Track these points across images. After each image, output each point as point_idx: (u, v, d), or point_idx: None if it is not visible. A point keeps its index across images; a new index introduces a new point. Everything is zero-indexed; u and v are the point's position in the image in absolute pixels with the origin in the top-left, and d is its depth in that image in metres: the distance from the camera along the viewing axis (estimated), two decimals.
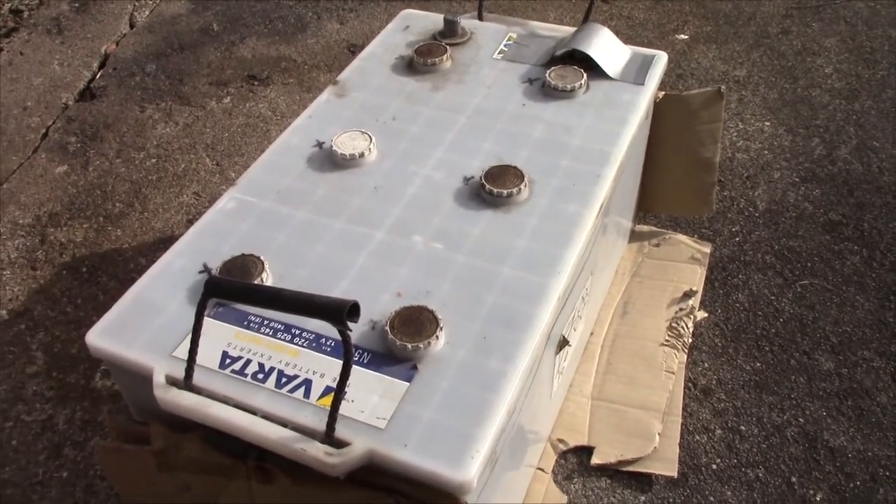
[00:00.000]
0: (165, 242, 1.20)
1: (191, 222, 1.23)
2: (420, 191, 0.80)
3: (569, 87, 0.91)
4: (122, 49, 1.62)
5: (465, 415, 0.60)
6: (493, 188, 0.77)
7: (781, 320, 1.04)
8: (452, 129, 0.87)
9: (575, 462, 0.90)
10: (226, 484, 0.65)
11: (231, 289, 0.59)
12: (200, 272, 0.72)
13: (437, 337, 0.64)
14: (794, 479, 0.88)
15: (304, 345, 0.65)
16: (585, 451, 0.90)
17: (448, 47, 0.99)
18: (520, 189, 0.77)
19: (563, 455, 0.90)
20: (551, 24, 1.06)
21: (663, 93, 1.01)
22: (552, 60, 0.96)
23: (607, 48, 0.95)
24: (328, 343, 0.66)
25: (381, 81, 0.95)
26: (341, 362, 0.55)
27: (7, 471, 0.92)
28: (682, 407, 0.93)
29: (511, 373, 0.63)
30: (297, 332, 0.67)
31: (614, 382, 0.96)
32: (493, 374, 0.63)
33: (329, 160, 0.84)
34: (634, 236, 1.16)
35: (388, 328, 0.64)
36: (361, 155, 0.83)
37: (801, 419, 0.93)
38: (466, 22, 1.05)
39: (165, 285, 0.71)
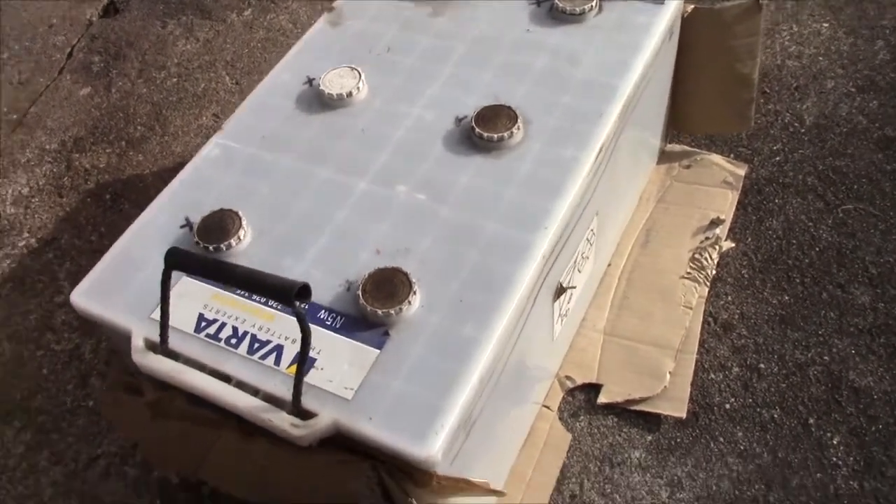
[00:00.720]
0: (183, 167, 1.20)
1: None
2: (408, 134, 0.76)
3: (578, 9, 0.83)
4: None
5: (434, 385, 0.58)
6: (483, 132, 0.73)
7: (817, 249, 0.97)
8: (449, 62, 0.82)
9: (582, 399, 0.88)
10: (217, 435, 0.66)
11: (189, 262, 0.58)
12: (182, 227, 0.72)
13: (409, 302, 0.62)
14: (811, 421, 0.84)
15: (279, 307, 0.64)
16: (594, 388, 0.88)
17: None
18: (511, 133, 0.72)
19: (570, 392, 0.89)
20: None
21: (693, 6, 0.92)
22: None
23: None
24: (301, 305, 0.64)
25: (378, 7, 0.89)
26: (316, 329, 0.54)
27: (39, 398, 0.97)
28: (698, 344, 0.90)
29: (484, 340, 0.61)
30: None
31: (629, 317, 0.93)
32: (465, 342, 0.61)
33: (318, 100, 0.80)
34: (664, 157, 1.09)
35: (359, 292, 0.63)
36: (350, 94, 0.78)
37: (826, 357, 0.88)
38: None
39: (148, 241, 0.71)
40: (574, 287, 0.81)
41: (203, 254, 0.68)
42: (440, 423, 0.56)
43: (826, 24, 1.24)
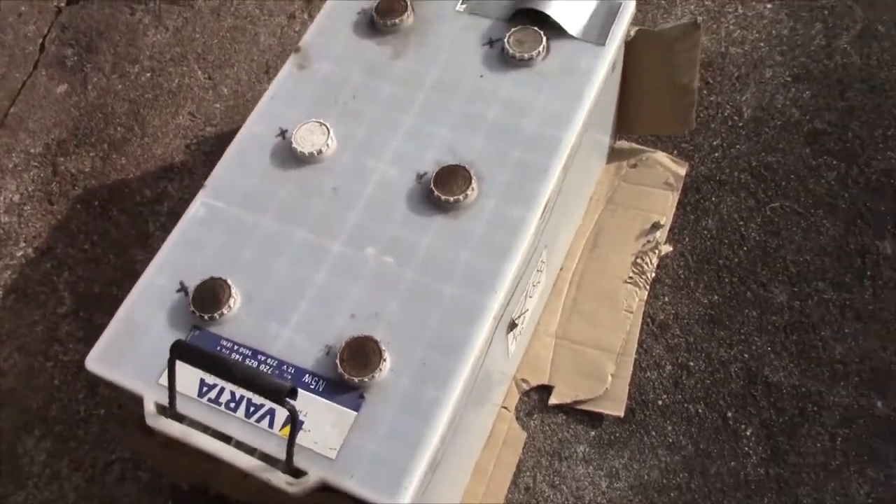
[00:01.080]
0: (166, 171, 1.27)
1: (188, 147, 1.29)
2: (375, 191, 0.84)
3: (526, 55, 0.90)
4: None
5: (403, 445, 0.70)
6: (441, 195, 0.82)
7: (745, 248, 1.09)
8: (410, 111, 0.89)
9: (536, 399, 1.02)
10: (219, 466, 0.79)
11: (192, 355, 0.68)
12: (178, 291, 0.81)
13: (380, 369, 0.73)
14: (729, 414, 0.98)
15: (269, 371, 0.75)
16: (546, 389, 1.01)
17: (409, 1, 0.96)
18: (466, 195, 0.81)
19: (525, 393, 1.02)
20: None
21: (636, 28, 0.99)
22: (514, 15, 0.93)
23: (568, 3, 0.92)
24: (289, 370, 0.75)
25: (342, 47, 0.95)
26: (300, 393, 0.66)
27: (54, 408, 1.09)
28: (637, 345, 1.02)
29: (445, 401, 0.72)
30: (263, 358, 0.76)
31: (578, 321, 1.05)
32: (429, 404, 0.72)
33: (291, 155, 0.88)
34: (613, 154, 1.18)
35: (338, 360, 0.74)
36: (320, 151, 0.86)
37: (746, 355, 1.02)
38: None
39: (148, 306, 0.81)
40: (527, 310, 0.93)
41: (199, 323, 0.78)
42: (408, 479, 0.69)
43: (770, 6, 1.31)
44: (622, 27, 0.93)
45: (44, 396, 1.10)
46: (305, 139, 0.87)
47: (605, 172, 1.16)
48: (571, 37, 0.92)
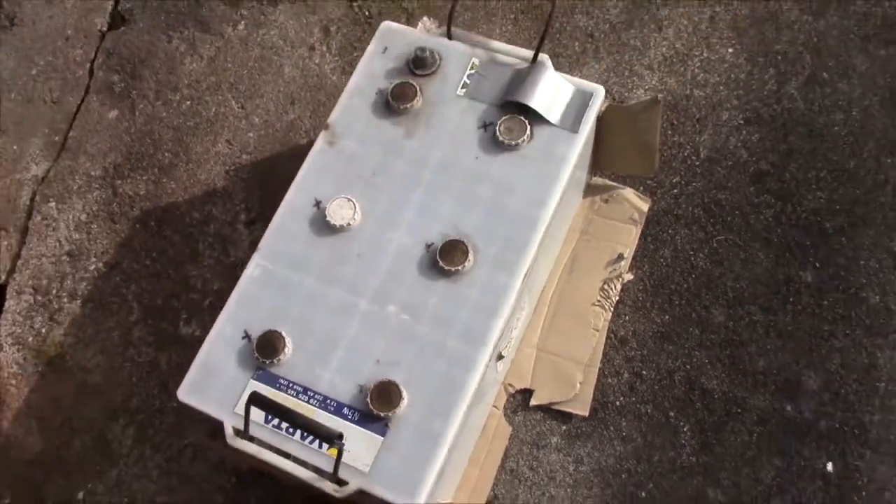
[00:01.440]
0: (210, 195, 1.50)
1: (227, 173, 1.51)
2: (393, 258, 1.08)
3: (513, 142, 1.12)
4: None
5: (417, 463, 0.97)
6: (444, 265, 1.05)
7: (693, 276, 1.33)
8: (419, 188, 1.12)
9: (520, 399, 1.28)
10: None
11: (265, 403, 0.94)
12: (243, 338, 1.06)
13: (400, 406, 0.99)
14: (671, 414, 1.25)
15: (316, 404, 1.01)
16: (528, 392, 1.28)
17: (418, 85, 1.17)
18: (464, 266, 1.05)
19: (511, 395, 1.28)
20: (511, 40, 1.22)
21: (606, 104, 1.20)
22: (505, 103, 1.15)
23: (550, 92, 1.13)
24: (331, 404, 1.01)
25: (363, 126, 1.17)
26: (339, 420, 0.94)
27: (134, 401, 1.35)
28: (601, 357, 1.28)
29: (448, 429, 0.99)
30: (312, 394, 1.02)
31: (554, 337, 1.30)
32: (436, 431, 0.99)
33: (325, 224, 1.11)
34: (589, 190, 1.40)
35: (368, 399, 0.99)
36: (349, 224, 1.10)
37: (688, 366, 1.27)
38: (435, 41, 1.21)
39: (222, 350, 1.06)
40: (511, 339, 1.18)
41: (261, 365, 1.03)
42: (423, 487, 0.96)
43: (731, 50, 1.50)
44: (592, 116, 1.14)
45: (125, 391, 1.36)
46: (336, 213, 1.10)
47: (582, 206, 1.39)
48: (551, 123, 1.13)
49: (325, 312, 1.06)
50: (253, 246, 1.39)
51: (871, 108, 1.42)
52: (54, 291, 1.45)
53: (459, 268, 1.05)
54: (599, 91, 1.15)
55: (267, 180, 1.49)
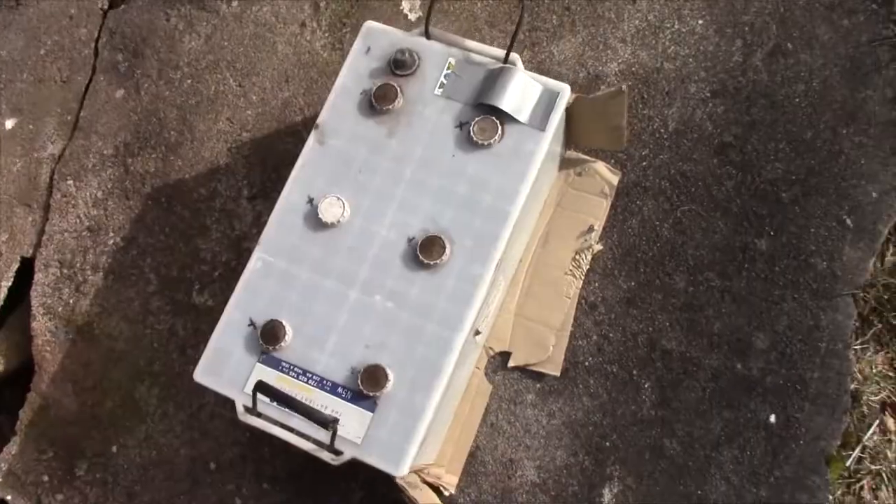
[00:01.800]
0: (214, 172, 1.62)
1: (230, 150, 1.63)
2: (379, 251, 1.21)
3: (486, 142, 1.23)
4: None
5: (403, 434, 1.13)
6: (423, 258, 1.19)
7: (658, 245, 1.46)
8: (401, 185, 1.24)
9: (499, 361, 1.44)
10: None
11: (269, 391, 1.09)
12: (248, 325, 1.21)
13: (386, 386, 1.15)
14: (635, 372, 1.40)
15: (314, 385, 1.17)
16: (507, 354, 1.43)
17: (399, 85, 1.27)
18: (441, 259, 1.18)
19: (491, 357, 1.44)
20: (487, 39, 1.30)
21: (574, 96, 1.30)
22: (478, 106, 1.24)
23: (519, 92, 1.23)
24: (327, 384, 1.17)
25: (350, 125, 1.27)
26: (334, 398, 1.10)
27: (156, 364, 1.52)
28: (572, 322, 1.42)
29: (428, 405, 1.14)
30: (310, 375, 1.18)
31: (531, 303, 1.44)
32: (418, 408, 1.14)
33: (318, 220, 1.23)
34: (565, 163, 1.51)
35: (359, 381, 1.15)
36: (339, 221, 1.22)
37: (650, 329, 1.42)
38: (413, 41, 1.30)
39: (230, 336, 1.21)
40: (488, 314, 1.32)
41: (266, 350, 1.18)
42: (407, 456, 1.13)
43: (701, 21, 1.57)
44: (559, 113, 1.24)
45: (148, 355, 1.53)
46: (328, 211, 1.22)
47: (558, 179, 1.50)
48: (520, 122, 1.23)
49: (320, 302, 1.20)
50: (256, 220, 1.54)
51: (832, 78, 1.49)
52: (78, 265, 1.60)
53: (437, 261, 1.18)
54: (565, 90, 1.25)
55: (266, 157, 1.60)
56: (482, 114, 1.24)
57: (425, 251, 1.19)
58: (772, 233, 1.43)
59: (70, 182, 1.66)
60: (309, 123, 1.59)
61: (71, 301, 1.58)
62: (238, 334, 1.21)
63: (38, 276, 1.61)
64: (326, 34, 1.66)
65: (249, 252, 1.26)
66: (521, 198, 1.21)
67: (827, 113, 1.48)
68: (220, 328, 1.22)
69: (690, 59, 1.54)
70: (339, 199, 1.23)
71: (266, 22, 1.69)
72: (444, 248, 1.19)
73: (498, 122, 1.23)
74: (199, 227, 1.58)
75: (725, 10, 1.56)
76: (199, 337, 1.52)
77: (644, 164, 1.50)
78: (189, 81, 1.68)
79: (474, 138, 1.23)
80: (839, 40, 1.51)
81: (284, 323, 1.19)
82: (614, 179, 1.49)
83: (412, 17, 1.64)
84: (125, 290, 1.57)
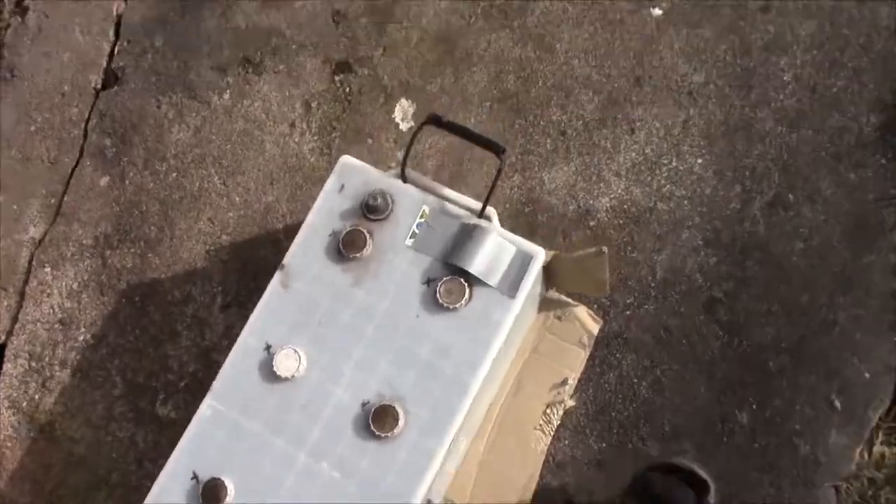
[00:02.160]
0: (191, 275, 1.59)
1: (208, 253, 1.59)
2: (332, 413, 1.16)
3: (452, 305, 1.17)
4: (129, 12, 1.76)
5: None
6: (375, 430, 1.14)
7: (634, 405, 1.39)
8: (361, 342, 1.19)
9: None
10: None
11: None
12: (192, 479, 1.17)
13: None
14: None
15: None
16: None
17: (369, 230, 1.22)
18: (393, 432, 1.13)
19: None
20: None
21: (553, 253, 1.24)
22: (448, 264, 1.19)
23: (491, 254, 1.18)
24: None
25: (316, 269, 1.23)
26: None
27: (114, 476, 1.49)
28: (537, 480, 1.37)
29: None
30: None
31: (496, 458, 1.38)
32: None
33: (274, 372, 1.19)
34: (544, 304, 1.45)
35: None
36: (293, 376, 1.18)
37: (616, 500, 1.36)
38: (389, 183, 1.25)
39: (172, 488, 1.17)
40: (445, 476, 1.27)
41: None
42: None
43: (700, 161, 1.50)
44: (531, 279, 1.18)
45: (107, 464, 1.50)
46: (283, 364, 1.18)
47: (536, 321, 1.44)
48: (490, 286, 1.18)
49: (267, 461, 1.16)
50: (227, 332, 1.50)
51: (833, 238, 1.42)
52: (47, 359, 1.57)
53: (389, 434, 1.13)
54: (539, 254, 1.19)
55: (244, 264, 1.57)
56: (451, 273, 1.19)
57: (377, 422, 1.14)
58: (754, 406, 1.36)
59: (48, 269, 1.63)
60: (290, 231, 1.54)
61: (36, 397, 1.56)
62: (180, 488, 1.17)
63: (7, 367, 1.59)
64: (315, 137, 1.62)
65: (218, 364, 1.22)
66: (484, 368, 1.16)
67: (825, 276, 1.41)
68: (161, 479, 1.18)
69: (685, 202, 1.48)
70: (295, 351, 1.18)
71: (256, 118, 1.65)
72: (396, 419, 1.14)
73: (466, 284, 1.17)
74: (170, 333, 1.55)
75: (726, 151, 1.49)
76: (158, 451, 1.48)
77: (628, 312, 1.44)
78: (174, 175, 1.64)
79: (440, 300, 1.17)
80: (844, 196, 1.44)
81: (227, 483, 1.15)
82: (595, 328, 1.43)
83: (403, 126, 1.59)
84: (91, 391, 1.54)
